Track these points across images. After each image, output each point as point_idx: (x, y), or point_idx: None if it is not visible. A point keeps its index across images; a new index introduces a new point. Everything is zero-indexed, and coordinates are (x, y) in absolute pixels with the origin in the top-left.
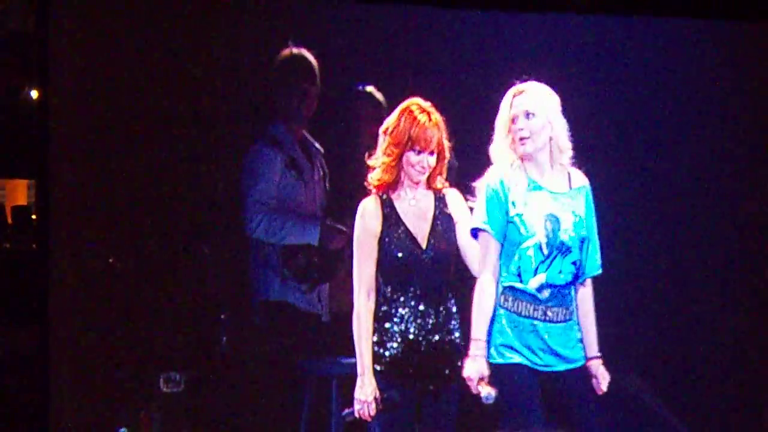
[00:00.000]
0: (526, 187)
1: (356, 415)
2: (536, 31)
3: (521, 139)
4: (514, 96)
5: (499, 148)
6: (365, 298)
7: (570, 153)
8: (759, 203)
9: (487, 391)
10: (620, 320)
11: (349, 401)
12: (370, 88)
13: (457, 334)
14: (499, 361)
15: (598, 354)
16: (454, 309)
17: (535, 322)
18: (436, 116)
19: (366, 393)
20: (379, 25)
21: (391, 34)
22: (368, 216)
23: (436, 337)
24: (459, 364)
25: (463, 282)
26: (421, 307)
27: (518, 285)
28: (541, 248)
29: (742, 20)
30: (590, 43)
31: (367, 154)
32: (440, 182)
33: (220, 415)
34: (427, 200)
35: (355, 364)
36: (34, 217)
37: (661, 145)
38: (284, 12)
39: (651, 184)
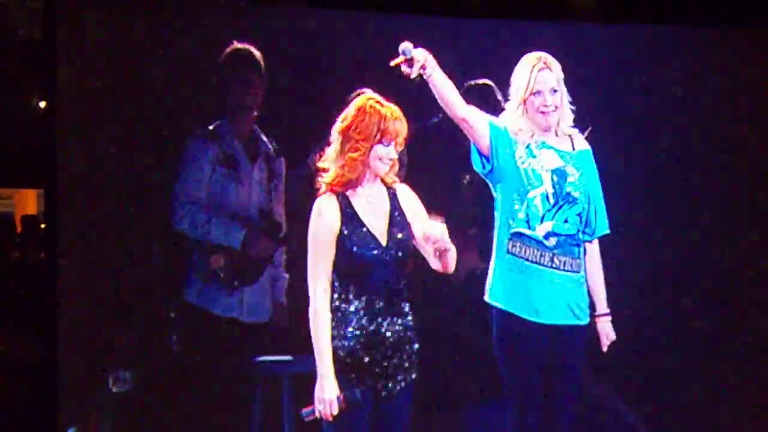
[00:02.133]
0: (535, 144)
1: (317, 414)
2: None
3: (546, 113)
4: (538, 70)
5: (511, 119)
6: (322, 297)
7: (572, 118)
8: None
9: None
10: None
11: (301, 400)
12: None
13: (412, 330)
14: (502, 306)
15: (606, 311)
16: (408, 305)
17: (542, 267)
18: (397, 109)
19: (328, 392)
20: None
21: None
22: (327, 214)
23: (394, 334)
24: (414, 359)
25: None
26: (380, 305)
27: (526, 231)
28: (547, 197)
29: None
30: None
31: (317, 156)
32: (391, 177)
33: (170, 414)
34: (381, 196)
35: (307, 362)
36: (43, 226)
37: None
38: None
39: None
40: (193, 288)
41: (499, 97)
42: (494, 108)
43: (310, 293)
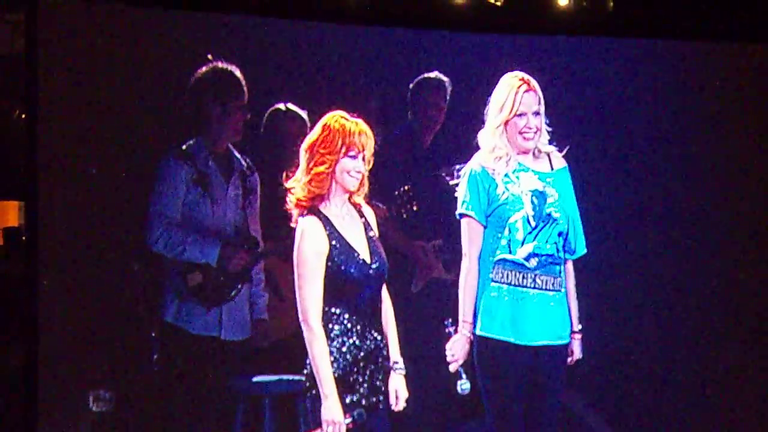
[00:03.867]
0: (513, 168)
1: None
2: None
3: (527, 136)
4: (524, 92)
5: (491, 138)
6: (318, 321)
7: (548, 137)
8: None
9: (468, 385)
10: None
11: (283, 420)
12: (291, 106)
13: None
14: (487, 334)
15: (577, 329)
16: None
17: (525, 289)
18: (362, 123)
19: (336, 414)
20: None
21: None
22: (315, 236)
23: (380, 350)
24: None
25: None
26: (368, 323)
27: (508, 256)
28: (528, 220)
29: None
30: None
31: (284, 176)
32: (359, 198)
33: None
34: (353, 215)
35: (287, 382)
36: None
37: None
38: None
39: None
40: (171, 307)
41: (447, 96)
42: (434, 104)
43: (306, 318)
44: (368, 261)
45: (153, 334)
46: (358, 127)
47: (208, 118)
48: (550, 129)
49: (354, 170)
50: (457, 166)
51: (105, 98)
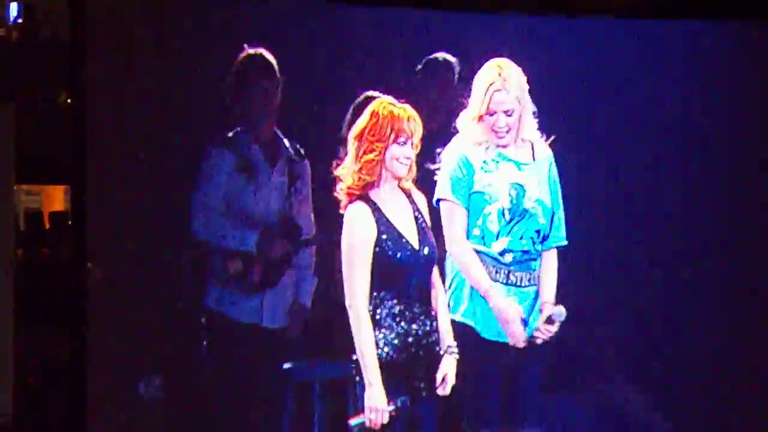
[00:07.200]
0: (493, 157)
1: (368, 424)
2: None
3: (500, 135)
4: (494, 91)
5: (469, 127)
6: (365, 305)
7: (535, 126)
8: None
9: (559, 310)
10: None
11: (334, 405)
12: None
13: (437, 332)
14: (457, 318)
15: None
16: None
17: (497, 284)
18: (410, 108)
19: (380, 401)
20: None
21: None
22: (363, 222)
23: (429, 337)
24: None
25: None
26: (416, 309)
27: (482, 248)
28: (503, 213)
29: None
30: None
31: (334, 164)
32: (408, 183)
33: (200, 420)
34: (402, 201)
35: (337, 367)
36: (70, 223)
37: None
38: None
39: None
40: (213, 294)
41: (456, 75)
42: (443, 86)
43: (350, 302)
44: (416, 247)
45: (203, 320)
46: (407, 113)
47: (246, 104)
48: (536, 119)
49: (403, 156)
50: (438, 150)
51: (152, 84)
